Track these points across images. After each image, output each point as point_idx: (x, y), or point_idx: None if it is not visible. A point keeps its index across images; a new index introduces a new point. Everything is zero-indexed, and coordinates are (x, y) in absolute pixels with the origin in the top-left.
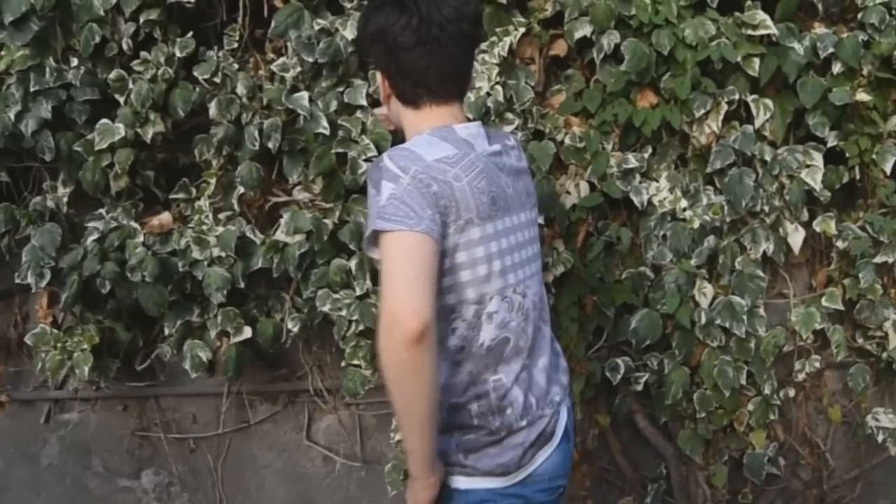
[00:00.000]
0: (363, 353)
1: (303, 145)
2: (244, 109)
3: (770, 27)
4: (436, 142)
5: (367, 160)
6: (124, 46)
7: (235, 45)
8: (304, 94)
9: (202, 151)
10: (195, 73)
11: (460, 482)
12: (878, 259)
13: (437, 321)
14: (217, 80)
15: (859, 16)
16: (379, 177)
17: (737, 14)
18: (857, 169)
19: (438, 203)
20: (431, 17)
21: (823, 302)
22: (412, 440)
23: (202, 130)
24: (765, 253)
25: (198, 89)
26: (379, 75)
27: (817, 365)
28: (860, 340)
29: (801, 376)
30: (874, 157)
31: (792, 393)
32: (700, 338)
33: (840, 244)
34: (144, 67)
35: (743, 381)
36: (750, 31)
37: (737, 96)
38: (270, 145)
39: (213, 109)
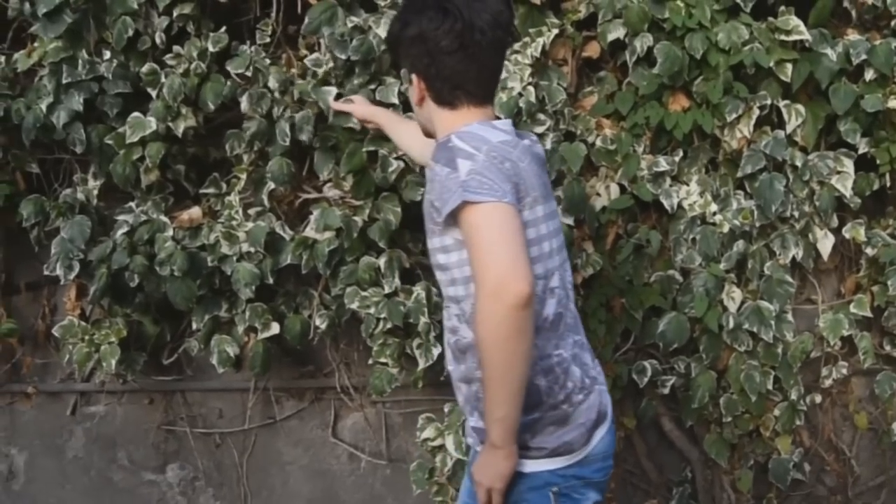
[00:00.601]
0: (390, 350)
1: (334, 142)
2: (275, 104)
3: (803, 33)
4: (489, 129)
5: (398, 158)
6: (157, 40)
7: (268, 39)
8: (332, 89)
9: (233, 146)
10: (228, 68)
11: (525, 465)
12: None
13: None
14: (249, 74)
15: (892, 23)
16: (451, 155)
17: (770, 19)
18: (887, 176)
19: (511, 179)
20: (474, 22)
21: (851, 308)
22: (503, 408)
23: (233, 126)
24: (794, 258)
25: (229, 83)
26: (414, 77)
27: (844, 371)
28: (888, 348)
29: (827, 382)
30: None
31: (818, 399)
32: (727, 342)
33: (869, 251)
34: (177, 61)
35: (770, 387)
36: (783, 37)
37: (769, 101)
38: (303, 138)
39: (244, 103)
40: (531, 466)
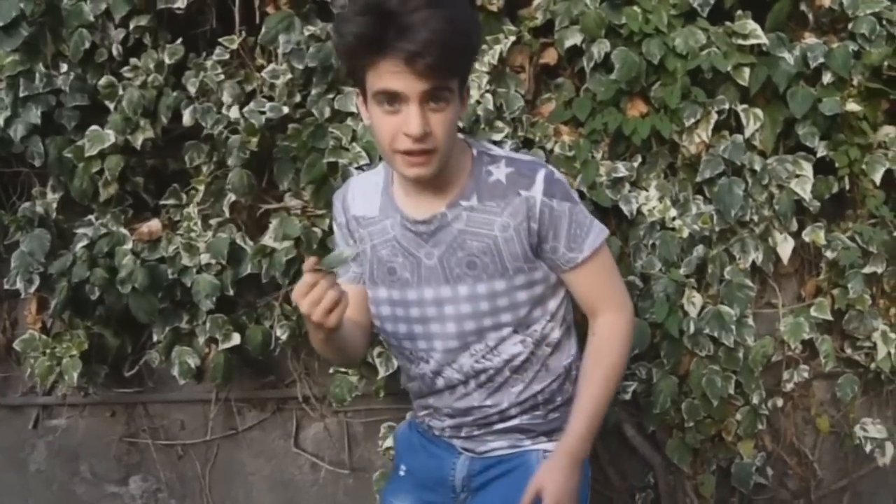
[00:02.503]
0: None
1: (294, 153)
2: (219, 121)
3: (760, 37)
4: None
5: (359, 168)
6: (114, 52)
7: (227, 56)
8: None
9: (192, 158)
10: (183, 82)
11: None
12: (866, 269)
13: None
14: (194, 89)
15: (850, 26)
16: (565, 189)
17: (727, 23)
18: (846, 179)
19: None
20: None
21: (812, 312)
22: (597, 421)
23: (192, 137)
24: (754, 262)
25: (182, 96)
26: (467, 86)
27: (805, 375)
28: (848, 351)
29: (789, 386)
30: (864, 167)
31: (780, 403)
32: (688, 347)
33: (829, 254)
34: (134, 74)
35: (731, 391)
36: (740, 41)
37: (727, 106)
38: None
39: (186, 117)
40: None
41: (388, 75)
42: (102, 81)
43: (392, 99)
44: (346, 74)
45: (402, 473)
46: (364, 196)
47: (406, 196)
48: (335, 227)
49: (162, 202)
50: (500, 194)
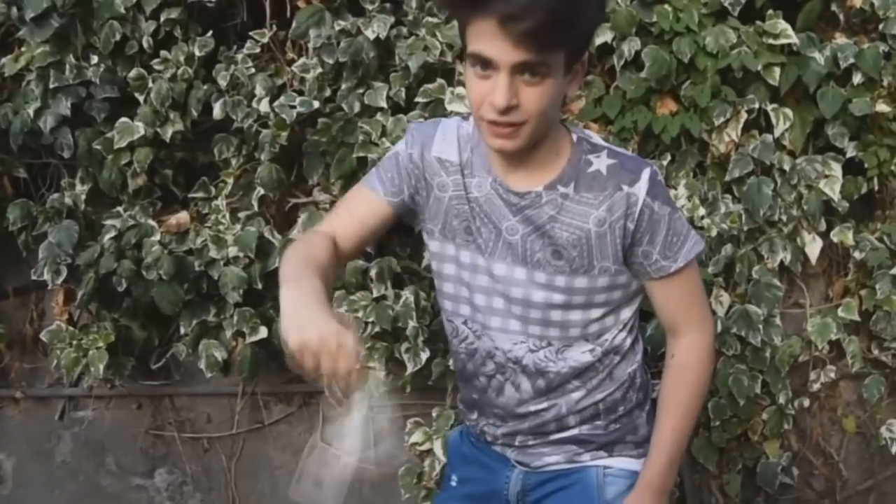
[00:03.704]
0: (378, 354)
1: (323, 147)
2: (249, 114)
3: (791, 36)
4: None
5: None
6: (144, 45)
7: (258, 50)
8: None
9: (221, 151)
10: (214, 75)
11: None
12: (894, 270)
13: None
14: (224, 83)
15: (881, 26)
16: (666, 193)
17: (758, 23)
18: (875, 180)
19: None
20: None
21: (839, 312)
22: (679, 451)
23: (222, 130)
24: (782, 262)
25: (213, 90)
26: (579, 64)
27: (832, 375)
28: (875, 352)
29: (815, 386)
30: (893, 168)
31: (806, 403)
32: (715, 346)
33: (857, 255)
34: (164, 66)
35: (758, 391)
36: (771, 41)
37: (756, 105)
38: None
39: (216, 110)
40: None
41: (483, 37)
42: (132, 73)
43: (484, 64)
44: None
45: (453, 484)
46: (456, 141)
47: (498, 162)
48: (401, 151)
49: (191, 195)
50: (598, 186)
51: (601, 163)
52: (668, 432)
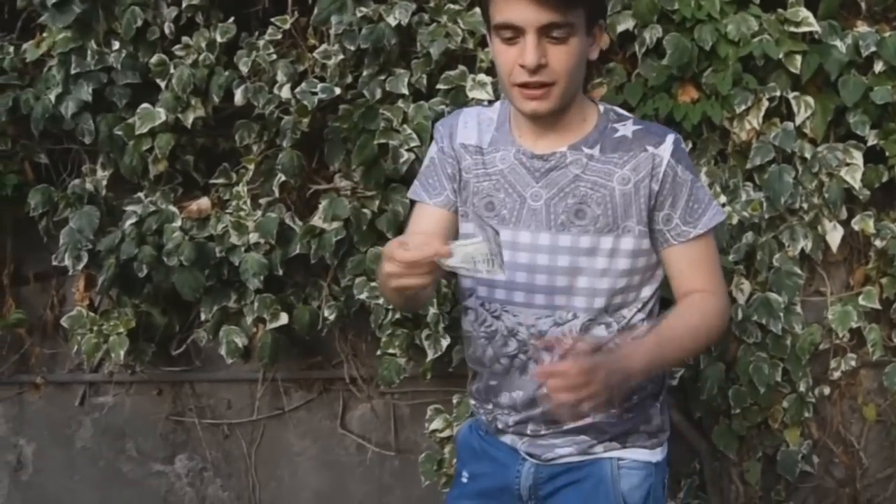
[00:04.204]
0: (399, 341)
1: (345, 133)
2: (271, 101)
3: (812, 24)
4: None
5: (410, 150)
6: (166, 31)
7: (280, 36)
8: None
9: (243, 137)
10: (235, 61)
11: (657, 454)
12: None
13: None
14: (246, 70)
15: None
16: (690, 161)
17: (780, 11)
18: None
19: None
20: None
21: (860, 300)
22: (668, 352)
23: (243, 116)
24: (803, 250)
25: (234, 77)
26: (597, 28)
27: (853, 363)
28: None
29: (836, 374)
30: None
31: (827, 391)
32: (736, 334)
33: (878, 243)
34: (186, 52)
35: (778, 378)
36: (792, 28)
37: (778, 93)
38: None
39: (238, 96)
40: (661, 454)
41: (507, 5)
42: (154, 59)
43: (510, 30)
44: (480, 8)
45: (464, 480)
46: (476, 126)
47: (524, 133)
48: (433, 152)
49: (212, 181)
50: (623, 148)
51: (627, 129)
52: (668, 331)
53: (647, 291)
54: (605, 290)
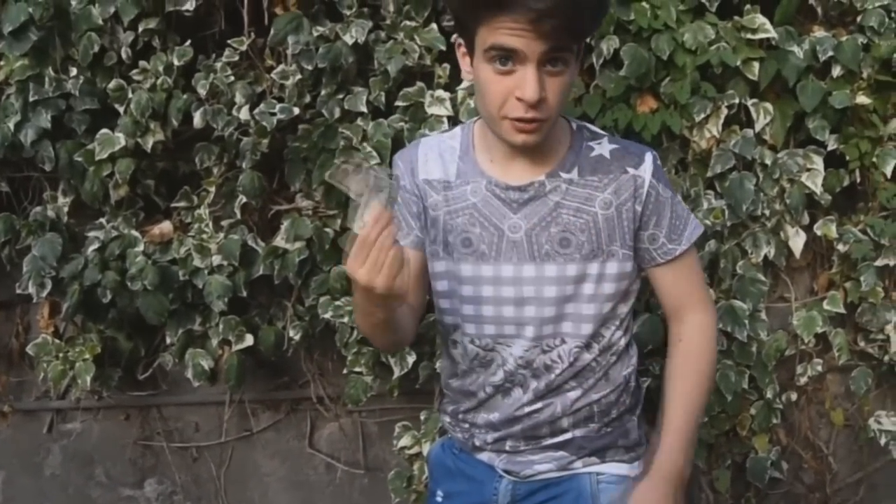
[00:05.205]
0: (365, 359)
1: (305, 154)
2: (230, 123)
3: (769, 31)
4: None
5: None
6: (123, 56)
7: (237, 58)
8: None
9: (203, 160)
10: (193, 84)
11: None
12: (879, 262)
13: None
14: (204, 92)
15: (858, 19)
16: (666, 177)
17: (736, 18)
18: (857, 172)
19: None
20: None
21: (825, 305)
22: (693, 436)
23: (202, 139)
24: (766, 257)
25: (192, 98)
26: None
27: (819, 369)
28: (862, 344)
29: (803, 380)
30: (874, 160)
31: (794, 397)
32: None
33: (841, 248)
34: (143, 76)
35: (745, 386)
36: (749, 35)
37: (737, 100)
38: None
39: (197, 119)
40: (640, 468)
41: (507, 32)
42: (112, 85)
43: (507, 58)
44: (455, 24)
45: (439, 499)
46: (439, 158)
47: (494, 162)
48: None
49: (173, 204)
50: (603, 169)
51: (603, 148)
52: (681, 415)
53: (623, 309)
54: (593, 315)
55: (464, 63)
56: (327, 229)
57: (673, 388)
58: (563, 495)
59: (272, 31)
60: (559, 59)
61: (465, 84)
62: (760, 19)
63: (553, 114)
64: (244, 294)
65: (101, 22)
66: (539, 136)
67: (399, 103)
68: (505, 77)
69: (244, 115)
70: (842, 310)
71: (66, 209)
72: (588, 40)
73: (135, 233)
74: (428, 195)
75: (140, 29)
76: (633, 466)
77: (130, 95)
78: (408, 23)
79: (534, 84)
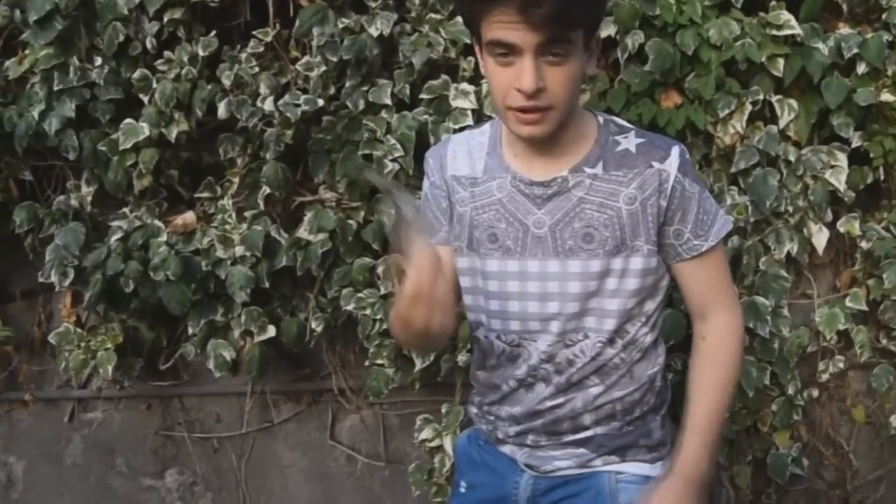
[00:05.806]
0: (387, 352)
1: (329, 146)
2: (254, 113)
3: (794, 27)
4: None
5: (393, 160)
6: (148, 45)
7: (262, 49)
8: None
9: (227, 150)
10: (217, 74)
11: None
12: None
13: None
14: (228, 82)
15: (884, 16)
16: (694, 171)
17: (761, 14)
18: (881, 169)
19: None
20: None
21: (847, 302)
22: (715, 438)
23: (226, 129)
24: (789, 253)
25: (217, 90)
26: (594, 41)
27: (841, 366)
28: (884, 341)
29: (824, 377)
30: None
31: (815, 394)
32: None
33: (864, 245)
34: (168, 67)
35: (767, 382)
36: (774, 32)
37: (761, 97)
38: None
39: (221, 110)
40: (662, 468)
41: (501, 25)
42: (136, 75)
43: (505, 50)
44: (464, 23)
45: (462, 490)
46: (467, 155)
47: (518, 157)
48: (425, 187)
49: (196, 195)
50: (628, 164)
51: (629, 142)
52: (703, 415)
53: (650, 305)
54: (616, 311)
55: (480, 59)
56: (350, 221)
57: (696, 389)
58: (582, 493)
59: (297, 23)
60: (558, 48)
61: None
62: (786, 16)
63: (558, 103)
64: (267, 285)
65: (126, 12)
66: (545, 127)
67: (423, 96)
68: (506, 69)
69: (268, 106)
70: (864, 307)
71: (89, 199)
72: (613, 34)
73: (158, 223)
74: (455, 191)
75: (165, 19)
76: (655, 467)
77: (155, 85)
78: (433, 15)
79: (530, 74)
